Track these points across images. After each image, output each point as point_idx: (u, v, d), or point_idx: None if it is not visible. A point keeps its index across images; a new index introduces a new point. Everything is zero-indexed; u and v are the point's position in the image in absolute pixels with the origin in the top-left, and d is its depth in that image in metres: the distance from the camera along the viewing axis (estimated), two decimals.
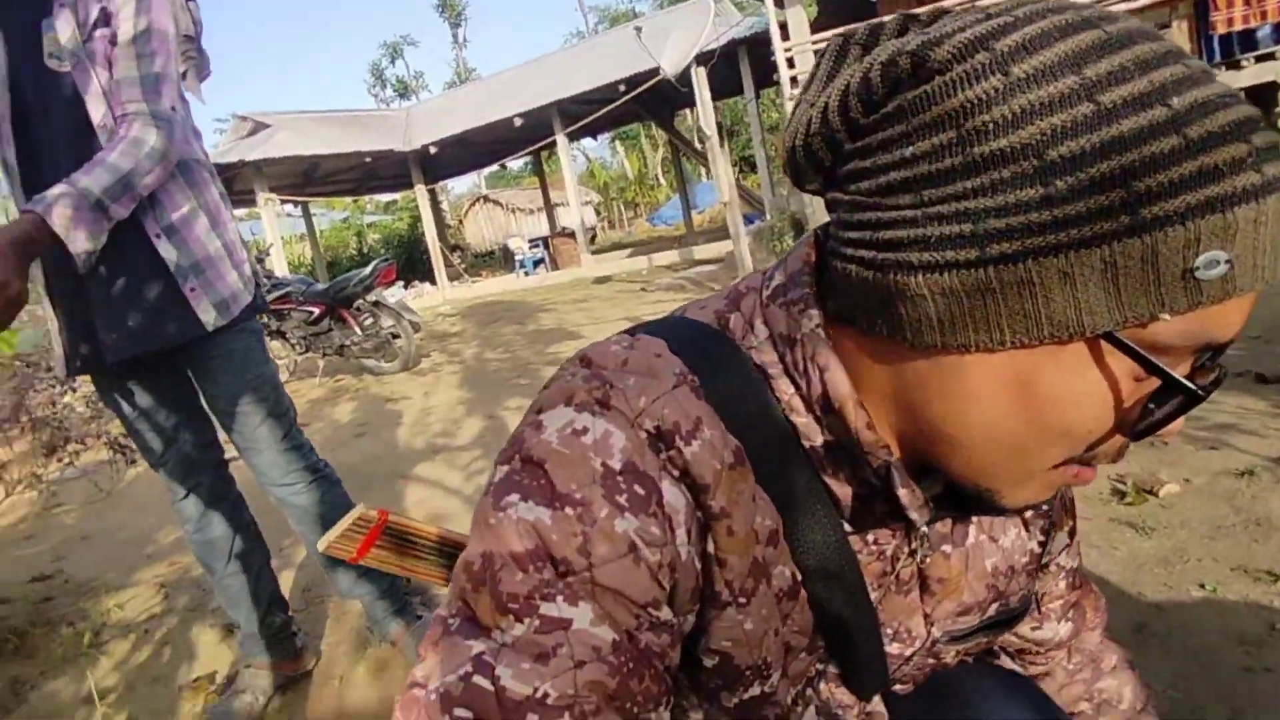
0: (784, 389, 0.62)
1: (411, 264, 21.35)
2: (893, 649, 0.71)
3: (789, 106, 10.47)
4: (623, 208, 35.03)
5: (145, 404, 2.10)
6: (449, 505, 3.97)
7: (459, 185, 36.25)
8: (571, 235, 17.70)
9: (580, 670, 0.51)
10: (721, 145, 13.52)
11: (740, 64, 13.58)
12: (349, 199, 22.26)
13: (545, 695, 0.50)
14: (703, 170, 28.25)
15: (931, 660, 0.77)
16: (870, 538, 0.66)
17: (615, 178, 36.45)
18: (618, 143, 35.52)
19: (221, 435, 2.22)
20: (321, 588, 3.05)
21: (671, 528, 0.56)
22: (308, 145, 15.02)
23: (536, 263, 18.46)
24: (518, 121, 15.19)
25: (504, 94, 16.27)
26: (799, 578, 0.63)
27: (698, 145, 19.82)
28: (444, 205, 25.77)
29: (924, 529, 0.64)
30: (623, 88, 14.05)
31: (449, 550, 0.85)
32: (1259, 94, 11.37)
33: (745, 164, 26.42)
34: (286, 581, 3.16)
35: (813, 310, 0.60)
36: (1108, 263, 0.46)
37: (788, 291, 0.63)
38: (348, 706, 2.26)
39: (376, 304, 8.24)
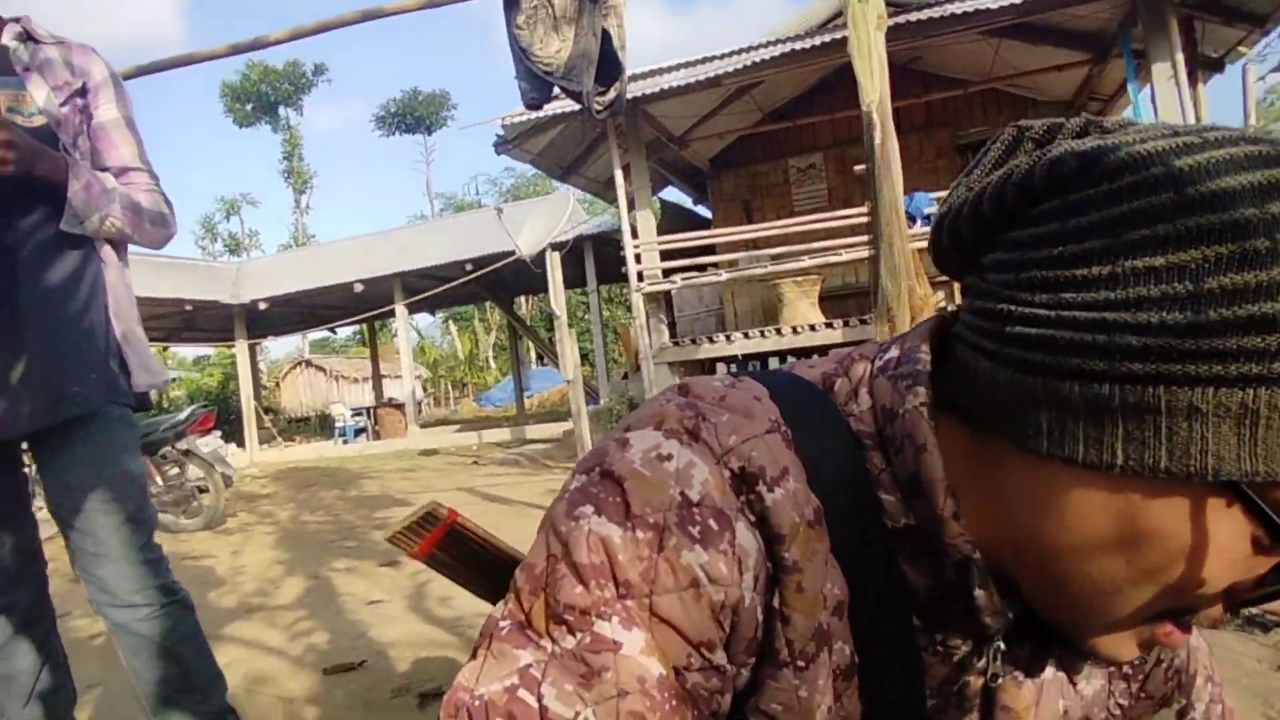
0: (876, 462, 0.59)
1: (219, 423, 19.76)
2: None
3: (636, 299, 11.11)
4: (450, 386, 34.77)
5: None
6: (270, 665, 3.49)
7: (277, 349, 34.80)
8: (399, 406, 17.27)
9: (623, 700, 0.50)
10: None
11: (585, 259, 14.42)
12: (159, 344, 20.68)
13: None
14: (534, 356, 28.84)
15: None
16: (939, 637, 0.62)
17: (445, 356, 36.39)
18: (450, 322, 35.81)
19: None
20: None
21: (740, 570, 0.55)
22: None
23: (358, 431, 17.71)
24: (358, 287, 15.07)
25: (345, 259, 16.23)
26: (857, 660, 0.60)
27: (535, 329, 20.37)
28: (261, 366, 24.47)
29: (999, 642, 0.61)
30: (469, 266, 14.43)
31: (507, 567, 0.79)
32: None
33: (580, 356, 27.27)
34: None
35: (920, 388, 0.58)
36: (1248, 408, 0.43)
37: (899, 366, 0.60)
38: None
39: (187, 452, 7.52)
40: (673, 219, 15.62)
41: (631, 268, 11.12)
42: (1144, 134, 0.48)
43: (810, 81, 12.27)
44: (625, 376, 12.59)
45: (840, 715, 0.61)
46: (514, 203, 20.14)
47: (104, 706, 3.03)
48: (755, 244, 11.57)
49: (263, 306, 15.75)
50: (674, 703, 0.52)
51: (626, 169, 11.37)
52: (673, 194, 16.24)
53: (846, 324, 10.14)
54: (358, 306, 16.40)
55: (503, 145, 11.26)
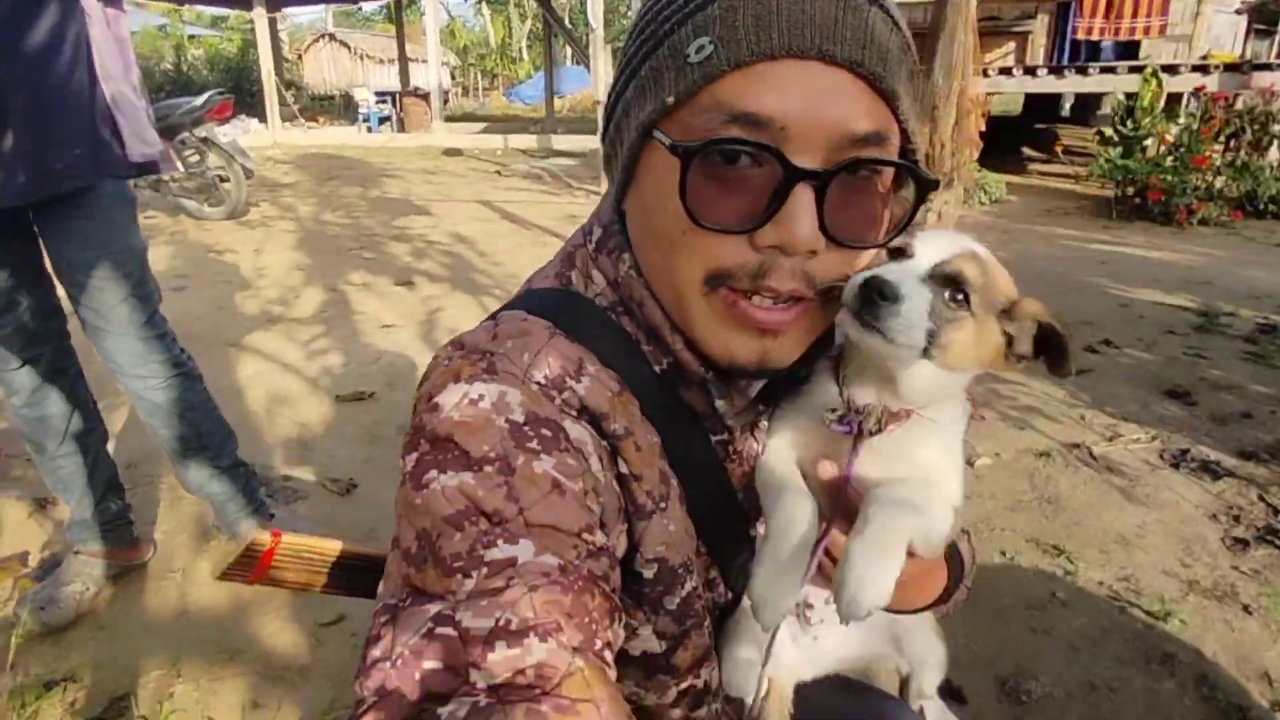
0: (629, 325, 0.70)
1: (239, 95, 19.18)
2: (754, 531, 0.79)
3: None
4: (480, 76, 33.14)
5: None
6: (288, 384, 3.76)
7: (301, 15, 32.65)
8: (424, 96, 16.59)
9: (535, 593, 0.53)
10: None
11: None
12: (169, 3, 19.46)
13: (508, 622, 0.51)
14: (568, 53, 27.16)
15: None
16: (732, 449, 0.75)
17: (476, 42, 34.25)
18: (484, 4, 33.24)
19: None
20: (151, 466, 2.83)
21: (584, 457, 0.63)
22: None
23: (382, 120, 17.18)
24: None
25: None
26: (684, 486, 0.71)
27: (570, 28, 18.96)
28: (282, 35, 23.20)
29: (730, 422, 0.73)
30: None
31: (349, 563, 0.84)
32: (1087, 99, 12.41)
33: (613, 57, 25.64)
34: None
35: (625, 254, 0.69)
36: (645, 76, 0.63)
37: (607, 241, 0.71)
38: (191, 602, 2.16)
39: (205, 140, 7.38)
40: None
41: None
42: None
43: None
44: None
45: (690, 535, 0.74)
46: None
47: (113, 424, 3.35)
48: None
49: None
50: (580, 583, 0.55)
51: None
52: None
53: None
54: None
55: None
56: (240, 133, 13.60)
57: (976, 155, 8.73)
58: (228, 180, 7.60)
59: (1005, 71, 9.18)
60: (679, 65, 0.60)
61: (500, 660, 0.49)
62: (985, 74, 9.19)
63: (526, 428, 0.60)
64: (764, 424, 0.77)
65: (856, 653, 0.88)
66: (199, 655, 1.93)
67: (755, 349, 0.65)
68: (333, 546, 0.84)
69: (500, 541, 0.54)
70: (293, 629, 2.07)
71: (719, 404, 0.71)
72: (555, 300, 0.72)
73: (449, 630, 0.51)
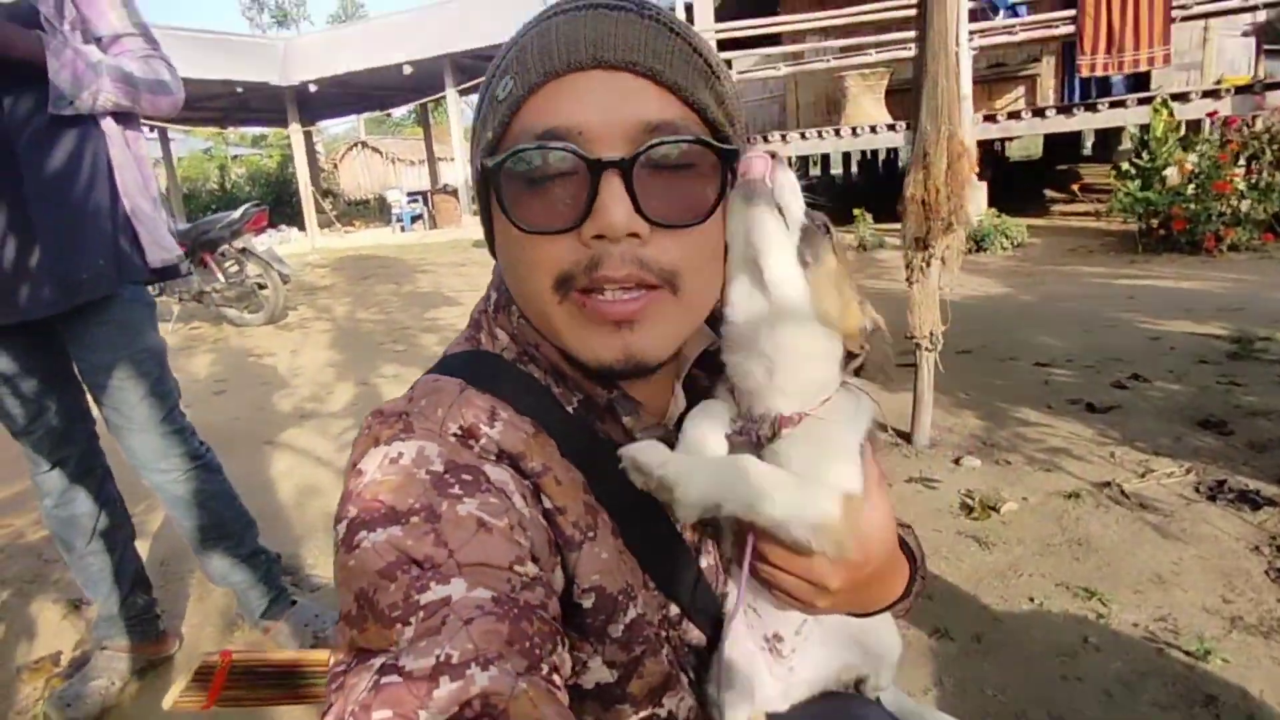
0: (536, 372, 0.75)
1: (279, 206, 20.16)
2: (704, 562, 0.81)
3: None
4: None
5: (14, 370, 1.96)
6: (319, 477, 3.85)
7: (334, 127, 34.38)
8: (453, 193, 17.24)
9: (470, 626, 0.54)
10: None
11: None
12: (214, 128, 20.68)
13: (449, 657, 0.52)
14: None
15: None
16: None
17: None
18: None
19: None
20: (180, 563, 2.91)
21: (507, 495, 0.65)
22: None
23: (414, 218, 17.87)
24: (407, 69, 14.57)
25: (394, 37, 15.52)
26: (613, 520, 0.73)
27: None
28: (318, 146, 24.42)
29: (639, 438, 0.75)
30: None
31: (303, 671, 0.86)
32: (1108, 134, 12.40)
33: None
34: (141, 552, 3.00)
35: (514, 306, 0.76)
36: (477, 129, 0.71)
37: (499, 300, 0.79)
38: None
39: (244, 250, 7.77)
40: (740, 2, 14.42)
41: None
42: None
43: None
44: None
45: (629, 563, 0.75)
46: None
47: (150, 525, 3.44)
48: (825, 31, 10.62)
49: (313, 89, 15.44)
50: (516, 611, 0.57)
51: None
52: None
53: (909, 126, 9.56)
54: (410, 87, 15.92)
55: None
56: (279, 241, 14.21)
57: (972, 199, 8.77)
58: (266, 287, 7.94)
59: (1014, 116, 9.25)
60: (493, 105, 0.69)
61: (445, 695, 0.51)
62: (994, 119, 9.29)
63: (447, 475, 0.63)
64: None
65: (830, 671, 0.88)
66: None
67: (616, 344, 0.69)
68: (289, 656, 0.84)
69: (433, 584, 0.56)
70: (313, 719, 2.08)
71: (626, 420, 0.75)
72: (466, 360, 0.76)
73: (394, 678, 0.52)
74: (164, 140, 18.12)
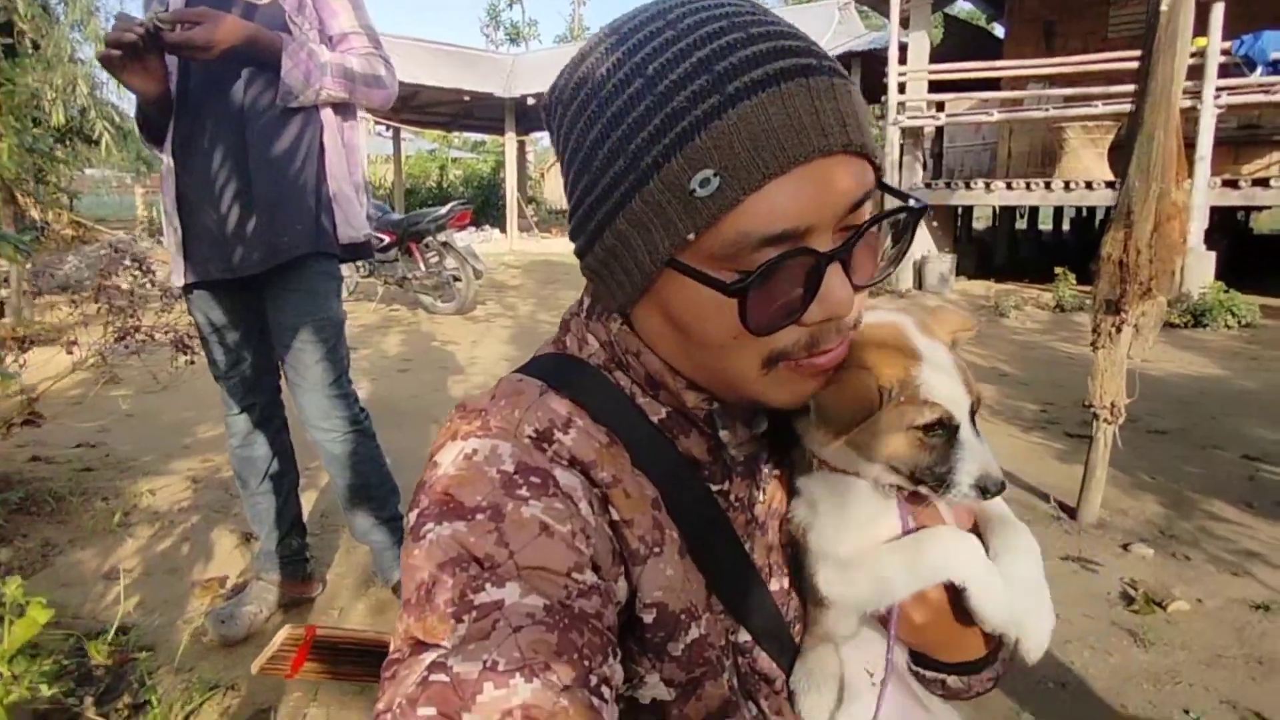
0: (623, 381, 0.74)
1: (487, 208, 21.60)
2: (774, 585, 0.79)
3: (891, 132, 10.31)
4: None
5: (224, 322, 2.25)
6: None
7: (548, 139, 36.38)
8: None
9: (519, 634, 0.54)
10: None
11: (852, 77, 13.33)
12: (440, 131, 22.48)
13: (495, 664, 0.53)
14: None
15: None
16: (733, 496, 0.76)
17: None
18: None
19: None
20: (337, 517, 3.17)
21: (574, 502, 0.64)
22: (412, 73, 15.20)
23: None
24: None
25: None
26: (684, 538, 0.72)
27: None
28: (530, 156, 25.91)
29: (733, 453, 0.75)
30: None
31: (382, 651, 0.90)
32: None
33: None
34: (307, 503, 3.31)
35: (615, 314, 0.73)
36: (641, 210, 0.61)
37: (596, 306, 0.75)
38: None
39: (445, 244, 8.39)
40: (958, 39, 13.92)
41: (892, 97, 10.22)
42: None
43: None
44: None
45: (695, 583, 0.74)
46: (780, 7, 18.79)
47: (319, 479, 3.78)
48: (1051, 78, 10.01)
49: (531, 101, 16.42)
50: (567, 621, 0.57)
51: None
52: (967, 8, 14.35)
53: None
54: None
55: None
56: (480, 240, 15.19)
57: (1192, 268, 7.89)
58: (460, 280, 8.52)
59: (1260, 183, 8.30)
60: (684, 199, 0.59)
61: (488, 702, 0.52)
62: (1235, 185, 8.37)
63: (516, 476, 0.64)
64: (764, 470, 0.79)
65: None
66: (335, 685, 2.11)
67: (812, 388, 0.69)
68: (368, 636, 0.89)
69: (488, 585, 0.58)
70: None
71: (723, 433, 0.73)
72: (551, 363, 0.76)
73: (442, 677, 0.53)
74: (396, 139, 19.90)
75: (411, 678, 0.54)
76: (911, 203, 0.69)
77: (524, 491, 0.63)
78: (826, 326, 0.64)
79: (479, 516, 0.61)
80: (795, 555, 0.79)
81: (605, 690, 0.57)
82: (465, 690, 0.52)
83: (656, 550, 0.70)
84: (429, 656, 0.55)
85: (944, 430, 0.69)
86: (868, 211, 0.65)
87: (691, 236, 0.60)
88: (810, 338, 0.65)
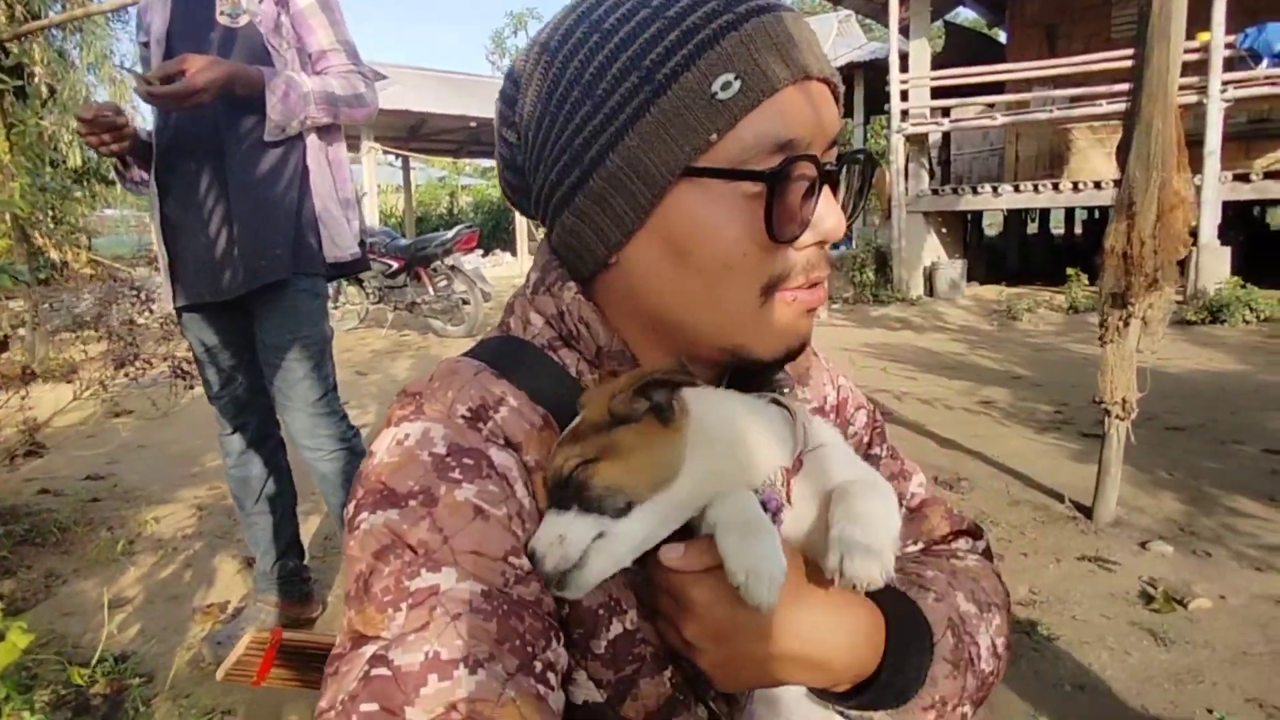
0: (569, 358, 0.71)
1: (497, 232, 21.72)
2: None
3: (895, 140, 10.28)
4: None
5: (215, 343, 2.25)
6: None
7: None
8: None
9: (458, 622, 0.53)
10: None
11: (854, 88, 13.35)
12: (449, 159, 22.69)
13: (437, 654, 0.52)
14: None
15: None
16: None
17: None
18: None
19: None
20: (341, 539, 3.16)
21: (509, 483, 0.62)
22: (419, 101, 15.37)
23: None
24: None
25: None
26: None
27: None
28: None
29: None
30: None
31: None
32: None
33: None
34: (311, 525, 3.29)
35: (570, 283, 0.71)
36: (657, 120, 0.61)
37: (545, 280, 0.73)
38: None
39: (453, 268, 8.42)
40: (959, 45, 13.90)
41: (895, 105, 10.21)
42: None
43: None
44: (879, 223, 11.90)
45: (620, 577, 0.67)
46: None
47: (324, 504, 3.77)
48: (1054, 79, 9.94)
49: None
50: (506, 607, 0.56)
51: None
52: (965, 14, 14.35)
53: None
54: None
55: None
56: (491, 264, 15.26)
57: (1206, 263, 7.78)
58: (469, 303, 8.55)
59: (1273, 175, 8.19)
60: (706, 102, 0.61)
61: (431, 694, 0.51)
62: (1246, 179, 8.27)
63: (449, 458, 0.62)
64: None
65: None
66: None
67: (805, 329, 0.69)
68: (328, 640, 0.85)
69: (424, 570, 0.56)
70: None
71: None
72: (491, 346, 0.74)
73: (384, 671, 0.52)
74: (405, 168, 20.09)
75: (353, 673, 0.53)
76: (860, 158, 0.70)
77: (456, 474, 0.60)
78: (820, 253, 0.66)
79: (411, 503, 0.59)
80: None
81: (550, 676, 0.55)
82: (407, 684, 0.51)
83: None
84: (370, 649, 0.54)
85: None
86: (833, 156, 0.67)
87: (714, 138, 0.61)
88: (807, 261, 0.66)
